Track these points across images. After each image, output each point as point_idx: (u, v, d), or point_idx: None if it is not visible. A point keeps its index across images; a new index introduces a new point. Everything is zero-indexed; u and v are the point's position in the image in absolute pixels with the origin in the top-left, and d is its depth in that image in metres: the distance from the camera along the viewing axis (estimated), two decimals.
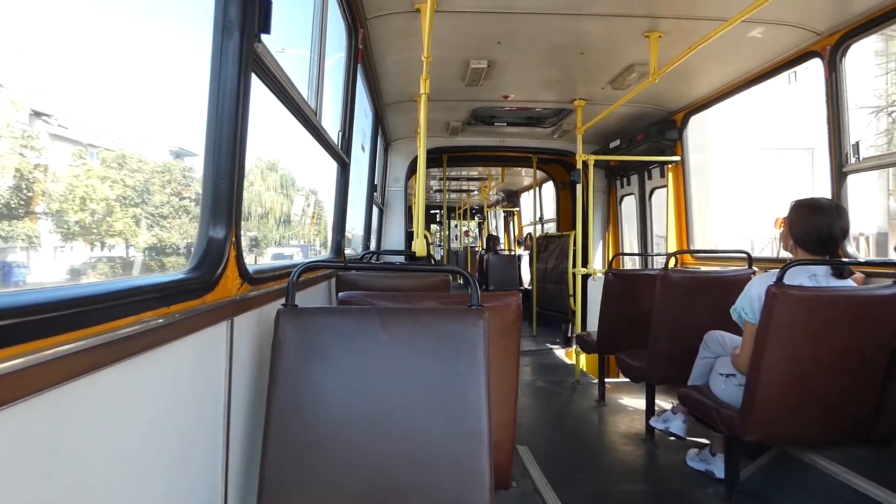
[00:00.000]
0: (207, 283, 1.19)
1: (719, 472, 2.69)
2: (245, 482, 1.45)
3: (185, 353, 1.10)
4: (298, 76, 2.14)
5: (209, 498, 1.25)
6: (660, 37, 3.20)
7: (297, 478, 1.30)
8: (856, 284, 2.36)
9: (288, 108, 1.82)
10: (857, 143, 2.97)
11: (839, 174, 3.01)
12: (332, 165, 2.95)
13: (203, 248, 1.21)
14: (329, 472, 1.32)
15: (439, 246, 13.73)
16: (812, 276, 2.30)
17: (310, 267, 1.61)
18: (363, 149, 4.40)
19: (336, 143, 2.80)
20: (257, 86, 1.48)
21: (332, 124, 2.83)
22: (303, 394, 1.35)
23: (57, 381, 0.72)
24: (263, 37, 1.42)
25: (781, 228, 2.47)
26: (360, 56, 3.04)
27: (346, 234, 3.28)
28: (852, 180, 2.95)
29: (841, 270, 2.30)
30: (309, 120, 2.10)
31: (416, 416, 1.35)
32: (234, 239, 1.27)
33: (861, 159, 2.95)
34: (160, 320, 0.97)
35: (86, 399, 0.79)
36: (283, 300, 1.44)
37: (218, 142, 1.23)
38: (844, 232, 2.29)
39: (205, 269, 1.19)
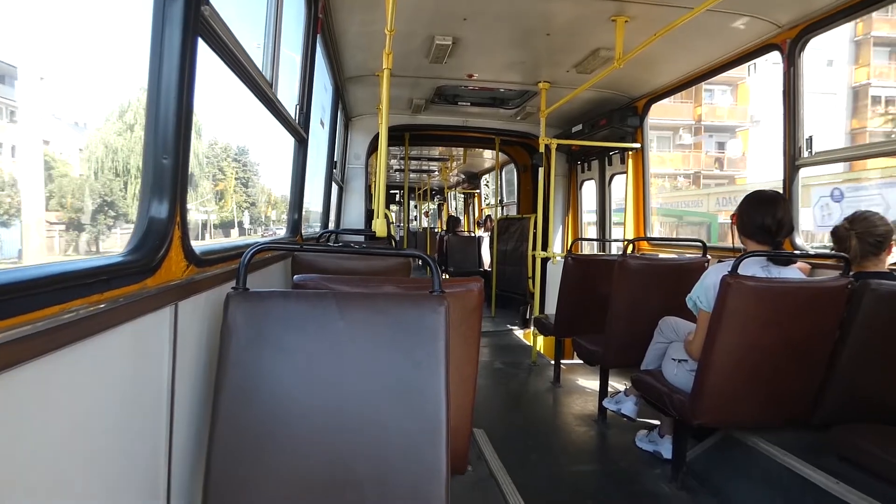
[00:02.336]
0: (148, 266, 1.09)
1: (667, 452, 2.78)
2: (190, 476, 1.37)
3: (122, 341, 1.02)
4: (253, 45, 2.02)
5: (150, 497, 1.18)
6: (626, 21, 3.19)
7: (246, 470, 1.24)
8: (801, 273, 2.44)
9: (240, 78, 1.70)
10: (811, 137, 3.06)
11: (792, 167, 3.09)
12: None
13: (144, 229, 1.11)
14: (281, 464, 1.26)
15: (399, 226, 13.60)
16: (764, 267, 2.36)
17: (263, 248, 1.52)
18: (322, 124, 4.25)
19: (293, 117, 2.68)
20: (206, 54, 1.37)
21: (289, 98, 2.70)
22: (253, 382, 1.28)
23: None
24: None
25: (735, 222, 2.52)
26: (320, 25, 2.90)
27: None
28: None
29: (783, 259, 2.37)
30: (264, 92, 1.98)
31: (373, 405, 1.30)
32: (178, 218, 1.18)
33: (814, 153, 3.04)
34: (94, 307, 0.89)
35: (2, 398, 0.71)
36: (233, 283, 1.36)
37: (160, 113, 1.12)
38: (781, 222, 2.33)
39: (146, 250, 1.10)
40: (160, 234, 1.14)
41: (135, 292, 1.04)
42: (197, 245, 1.35)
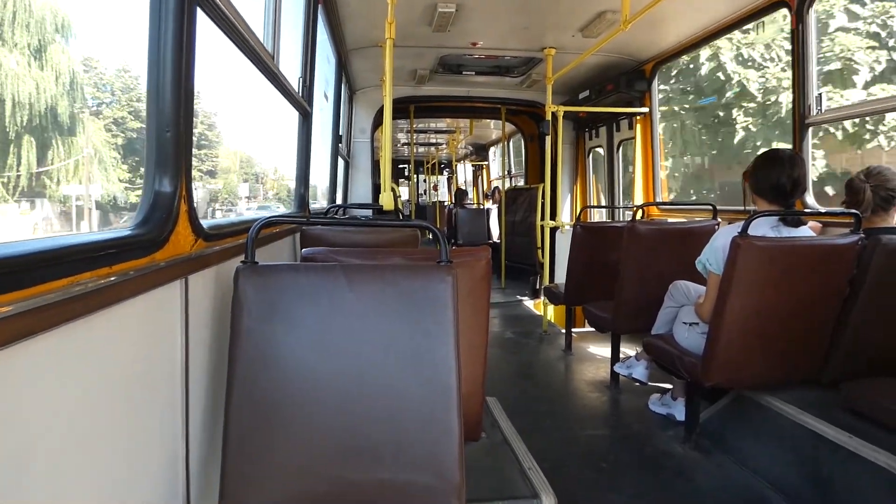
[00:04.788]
0: (156, 241, 1.11)
1: (680, 415, 2.80)
2: (208, 446, 1.41)
3: (134, 314, 1.03)
4: (254, 17, 1.99)
5: (169, 465, 1.21)
6: None
7: (262, 437, 1.27)
8: (813, 232, 2.42)
9: (240, 49, 1.69)
10: (821, 94, 2.99)
11: (801, 125, 3.03)
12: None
13: (150, 203, 1.12)
14: (297, 431, 1.29)
15: (407, 201, 13.58)
16: (774, 227, 2.34)
17: (270, 222, 1.53)
18: (326, 97, 4.22)
19: (296, 90, 2.66)
20: (207, 26, 1.36)
21: (292, 72, 2.67)
22: (267, 354, 1.30)
23: None
24: None
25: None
26: None
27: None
28: None
29: (795, 219, 2.35)
30: (265, 64, 1.96)
31: (386, 374, 1.32)
32: (184, 192, 1.19)
33: (823, 111, 2.98)
34: (102, 281, 0.90)
35: (16, 370, 0.73)
36: (242, 257, 1.37)
37: (160, 86, 1.12)
38: (796, 181, 2.30)
39: (152, 224, 1.11)
40: (167, 207, 1.15)
41: (144, 266, 1.05)
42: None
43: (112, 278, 0.93)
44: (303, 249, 1.69)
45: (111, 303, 0.93)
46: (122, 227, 1.11)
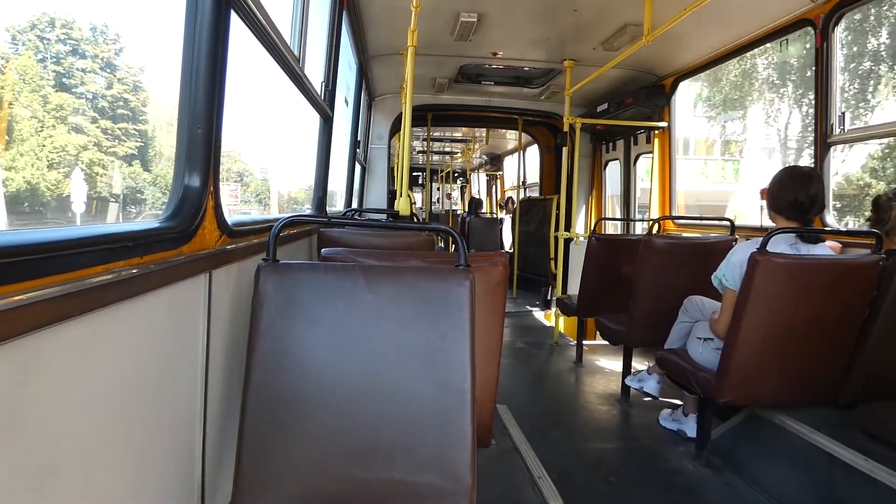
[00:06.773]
0: (184, 234, 1.13)
1: (691, 431, 2.77)
2: (223, 439, 1.43)
3: (161, 305, 1.06)
4: (281, 21, 2.03)
5: (186, 455, 1.23)
6: None
7: (277, 435, 1.28)
8: (832, 251, 2.40)
9: (269, 53, 1.73)
10: (844, 113, 2.97)
11: (823, 144, 3.01)
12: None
13: (179, 197, 1.15)
14: (312, 431, 1.30)
15: (421, 208, 13.64)
16: (792, 245, 2.32)
17: (292, 221, 1.56)
18: (347, 102, 4.27)
19: (319, 94, 2.70)
20: (238, 28, 1.39)
21: (315, 75, 2.72)
22: (284, 350, 1.32)
23: (18, 332, 0.67)
24: None
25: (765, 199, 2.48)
26: (346, 2, 2.90)
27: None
28: None
29: (813, 236, 2.33)
30: (291, 67, 2.00)
31: (401, 374, 1.33)
32: (212, 188, 1.21)
33: (846, 130, 2.96)
34: (133, 270, 0.92)
35: (51, 352, 0.75)
36: (263, 255, 1.39)
37: (194, 83, 1.15)
38: (814, 199, 2.29)
39: (181, 219, 1.14)
40: (195, 202, 1.17)
41: (171, 258, 1.08)
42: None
43: (139, 269, 0.95)
44: (322, 249, 1.71)
45: (140, 292, 0.95)
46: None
